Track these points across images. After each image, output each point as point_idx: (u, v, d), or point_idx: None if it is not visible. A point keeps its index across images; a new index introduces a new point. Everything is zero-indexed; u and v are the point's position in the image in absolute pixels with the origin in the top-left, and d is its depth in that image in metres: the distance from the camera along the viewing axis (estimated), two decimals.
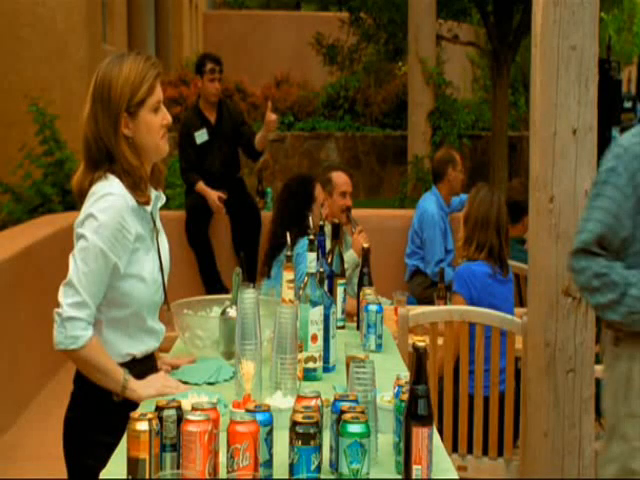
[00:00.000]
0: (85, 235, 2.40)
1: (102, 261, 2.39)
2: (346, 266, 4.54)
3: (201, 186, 6.40)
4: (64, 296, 2.39)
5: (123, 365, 2.48)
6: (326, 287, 3.01)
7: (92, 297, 2.39)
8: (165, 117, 2.52)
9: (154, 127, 2.49)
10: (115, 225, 2.40)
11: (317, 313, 2.68)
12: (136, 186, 2.46)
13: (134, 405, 2.37)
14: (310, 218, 3.07)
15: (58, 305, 2.39)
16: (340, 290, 3.26)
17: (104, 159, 2.46)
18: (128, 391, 2.43)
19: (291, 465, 1.87)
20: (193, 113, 6.59)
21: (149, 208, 2.51)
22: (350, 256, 4.71)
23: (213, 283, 6.47)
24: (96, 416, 2.47)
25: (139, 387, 2.44)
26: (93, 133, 2.47)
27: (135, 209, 2.46)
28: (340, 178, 5.01)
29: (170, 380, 2.53)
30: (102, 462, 2.06)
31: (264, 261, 4.55)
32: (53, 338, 2.38)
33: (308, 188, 4.55)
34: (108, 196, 2.41)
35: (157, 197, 2.57)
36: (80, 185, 2.50)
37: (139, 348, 2.53)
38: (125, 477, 1.87)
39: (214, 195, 6.38)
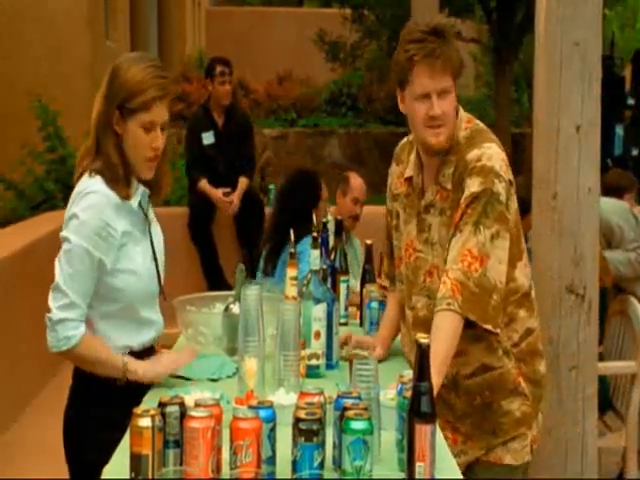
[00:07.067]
0: (68, 237, 2.42)
1: (87, 260, 2.41)
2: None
3: (204, 185, 6.40)
4: (53, 300, 2.41)
5: None
6: (329, 284, 3.01)
7: (81, 296, 2.41)
8: (156, 141, 2.46)
9: (140, 144, 2.46)
10: (97, 223, 2.41)
11: (320, 310, 2.68)
12: (115, 182, 2.46)
13: (134, 400, 2.37)
14: (314, 215, 3.05)
15: (49, 310, 2.41)
16: (343, 287, 3.26)
17: (94, 146, 2.48)
18: (130, 373, 2.45)
19: (294, 462, 1.87)
20: (201, 114, 6.60)
21: (134, 203, 2.51)
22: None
23: (216, 280, 6.47)
24: (96, 411, 2.48)
25: (139, 367, 2.47)
26: (93, 119, 2.49)
27: (120, 205, 2.46)
28: (357, 182, 4.97)
29: (173, 357, 2.56)
30: (102, 457, 2.07)
31: (267, 258, 4.50)
32: (47, 342, 2.40)
33: (315, 186, 4.53)
34: (90, 194, 2.42)
35: (144, 192, 2.56)
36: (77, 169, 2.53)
37: (135, 340, 2.54)
38: (128, 473, 1.87)
39: (218, 193, 6.39)
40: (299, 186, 4.56)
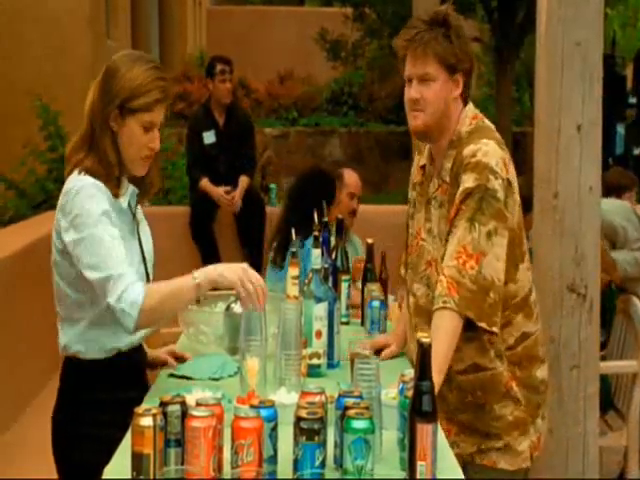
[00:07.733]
0: (79, 236, 2.36)
1: (106, 237, 2.35)
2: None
3: (205, 184, 6.40)
4: (104, 296, 2.33)
5: (109, 359, 2.47)
6: (330, 283, 3.01)
7: (121, 265, 2.34)
8: (153, 141, 2.46)
9: (137, 143, 2.45)
10: (98, 208, 2.37)
11: (321, 309, 2.68)
12: (106, 181, 2.44)
13: (125, 398, 2.36)
14: (315, 214, 3.03)
15: (108, 308, 2.34)
16: (344, 286, 3.26)
17: (87, 141, 2.46)
18: (202, 288, 2.41)
19: (295, 461, 1.87)
20: (202, 113, 6.62)
21: (124, 203, 2.50)
22: None
23: None
24: (84, 410, 2.47)
25: (204, 272, 2.41)
26: (87, 113, 2.47)
27: (111, 202, 2.44)
28: (352, 178, 4.97)
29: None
30: (92, 455, 2.08)
31: (277, 249, 4.48)
32: (126, 329, 2.35)
33: (330, 188, 4.50)
34: (82, 190, 2.40)
35: (133, 191, 2.55)
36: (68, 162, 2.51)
37: (124, 341, 2.51)
38: (129, 472, 1.88)
39: (220, 191, 6.39)
40: (313, 184, 4.54)
